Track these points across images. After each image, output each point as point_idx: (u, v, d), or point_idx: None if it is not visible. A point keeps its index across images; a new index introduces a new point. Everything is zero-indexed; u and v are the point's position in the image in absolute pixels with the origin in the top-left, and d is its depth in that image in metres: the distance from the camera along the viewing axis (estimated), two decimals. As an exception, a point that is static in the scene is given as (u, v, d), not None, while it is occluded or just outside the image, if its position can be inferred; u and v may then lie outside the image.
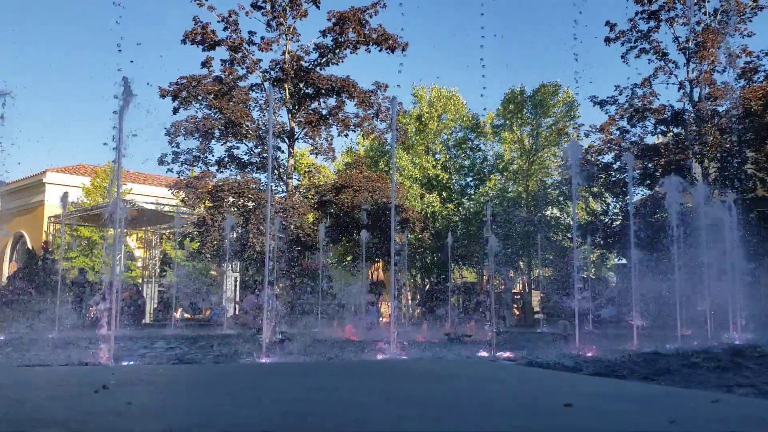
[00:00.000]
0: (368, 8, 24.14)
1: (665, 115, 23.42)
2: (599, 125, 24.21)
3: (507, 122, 29.92)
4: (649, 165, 23.52)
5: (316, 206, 23.81)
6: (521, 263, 29.97)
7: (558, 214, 30.29)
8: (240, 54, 24.19)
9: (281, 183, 25.53)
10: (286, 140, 25.18)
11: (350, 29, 23.94)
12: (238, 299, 27.75)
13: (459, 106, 31.92)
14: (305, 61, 24.76)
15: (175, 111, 24.04)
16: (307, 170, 31.48)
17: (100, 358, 7.23)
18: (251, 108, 24.98)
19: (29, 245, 29.22)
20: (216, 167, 25.03)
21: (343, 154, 33.58)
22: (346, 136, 26.72)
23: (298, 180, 28.54)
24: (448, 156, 30.91)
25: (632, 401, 3.75)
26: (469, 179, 31.85)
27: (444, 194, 29.85)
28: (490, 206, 15.19)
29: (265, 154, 24.80)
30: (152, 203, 25.28)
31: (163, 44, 48.26)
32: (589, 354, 8.33)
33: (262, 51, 24.65)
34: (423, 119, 31.18)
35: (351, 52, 24.66)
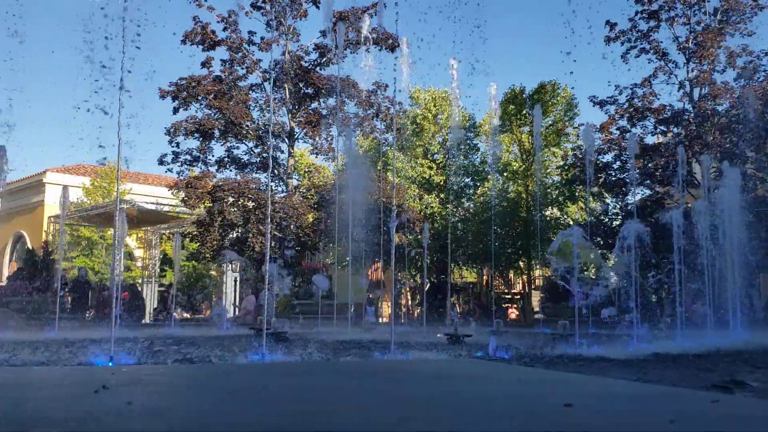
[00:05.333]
0: (368, 8, 24.16)
1: (665, 115, 23.41)
2: (599, 125, 24.20)
3: (506, 122, 29.87)
4: (649, 165, 23.50)
5: (315, 206, 23.81)
6: (521, 263, 29.92)
7: (558, 214, 30.24)
8: (240, 54, 24.19)
9: (281, 183, 25.52)
10: (286, 140, 25.17)
11: (350, 29, 23.95)
12: (237, 302, 27.74)
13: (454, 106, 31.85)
14: (305, 61, 24.76)
15: (175, 111, 24.04)
16: (307, 170, 31.47)
17: (100, 358, 7.21)
18: (251, 108, 24.97)
19: (29, 245, 29.21)
20: (216, 167, 25.01)
21: (342, 154, 33.52)
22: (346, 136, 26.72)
23: (298, 180, 28.53)
24: (446, 157, 30.88)
25: (632, 401, 3.75)
26: (468, 179, 31.79)
27: (443, 195, 29.82)
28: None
29: (265, 154, 24.80)
30: (152, 203, 25.26)
31: (163, 44, 48.15)
32: (590, 354, 8.31)
33: (262, 51, 24.67)
34: (417, 120, 31.18)
35: (351, 52, 24.67)
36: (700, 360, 7.78)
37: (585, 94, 61.20)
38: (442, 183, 29.84)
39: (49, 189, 31.41)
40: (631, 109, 23.66)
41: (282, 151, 25.49)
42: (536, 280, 31.36)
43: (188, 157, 24.62)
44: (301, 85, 24.59)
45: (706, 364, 7.18)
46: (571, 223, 27.79)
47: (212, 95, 23.64)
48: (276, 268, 17.51)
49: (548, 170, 30.50)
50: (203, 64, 24.10)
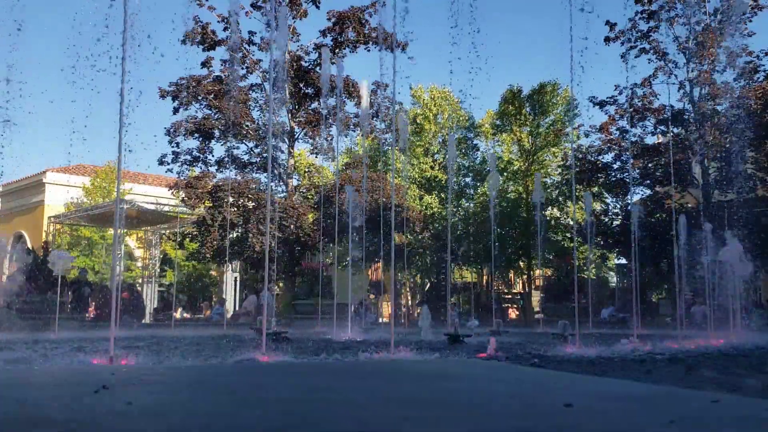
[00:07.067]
0: (367, 7, 24.15)
1: (665, 115, 23.41)
2: (599, 125, 24.20)
3: (506, 122, 29.87)
4: (650, 165, 23.50)
5: (315, 206, 23.81)
6: (521, 263, 29.91)
7: (558, 214, 30.24)
8: (240, 54, 24.17)
9: (281, 183, 25.51)
10: (286, 140, 25.15)
11: (350, 29, 23.94)
12: (237, 307, 27.72)
13: (454, 106, 31.86)
14: (305, 61, 24.76)
15: (175, 111, 24.02)
16: (306, 170, 31.46)
17: (100, 358, 7.21)
18: (251, 108, 24.96)
19: (29, 245, 29.20)
20: (216, 167, 25.00)
21: (342, 154, 33.53)
22: (346, 136, 26.70)
23: (298, 180, 28.53)
24: (446, 156, 30.87)
25: (632, 401, 3.75)
26: (468, 179, 31.80)
27: (443, 195, 29.82)
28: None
29: (265, 154, 24.77)
30: (152, 203, 25.25)
31: (163, 44, 48.18)
32: (589, 353, 8.31)
33: (262, 51, 24.66)
34: (417, 120, 31.16)
35: (351, 52, 24.66)
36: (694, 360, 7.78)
37: (585, 94, 61.07)
38: (443, 182, 29.83)
39: (49, 189, 31.40)
40: (631, 110, 23.67)
41: (282, 151, 25.47)
42: (536, 280, 31.37)
43: (188, 157, 24.61)
44: (301, 85, 24.59)
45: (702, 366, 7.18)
46: (571, 222, 27.80)
47: (212, 95, 23.63)
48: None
49: (548, 170, 30.48)
50: (203, 64, 24.10)
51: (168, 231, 27.71)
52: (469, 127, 31.92)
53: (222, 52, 24.27)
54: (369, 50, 24.66)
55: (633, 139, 24.08)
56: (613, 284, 30.76)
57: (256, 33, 24.47)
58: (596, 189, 25.14)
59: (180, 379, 4.96)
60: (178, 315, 24.25)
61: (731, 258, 12.01)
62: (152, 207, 24.79)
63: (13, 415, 2.91)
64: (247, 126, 24.11)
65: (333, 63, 18.78)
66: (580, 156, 23.91)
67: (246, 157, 25.43)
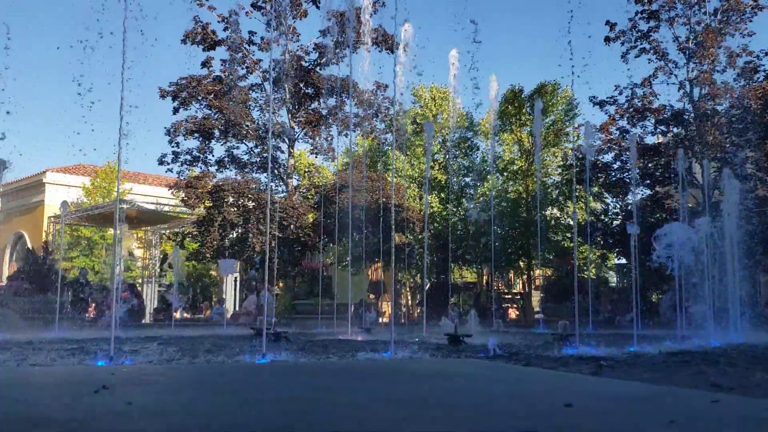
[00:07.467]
0: (367, 7, 24.13)
1: (665, 115, 23.41)
2: (599, 125, 24.20)
3: (506, 122, 29.85)
4: (650, 165, 23.50)
5: (315, 206, 23.81)
6: (521, 263, 29.90)
7: (558, 214, 30.22)
8: (240, 54, 24.18)
9: (281, 183, 25.49)
10: (286, 140, 25.15)
11: (350, 29, 23.93)
12: (237, 307, 27.69)
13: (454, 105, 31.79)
14: (305, 61, 24.76)
15: (175, 111, 24.02)
16: (306, 170, 31.45)
17: (100, 358, 7.21)
18: (251, 108, 24.96)
19: (29, 245, 29.20)
20: (216, 167, 25.00)
21: (342, 155, 33.53)
22: (346, 136, 26.70)
23: (298, 180, 28.52)
24: (446, 156, 30.86)
25: (632, 401, 3.75)
26: (468, 179, 31.80)
27: (443, 195, 29.81)
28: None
29: (265, 155, 24.78)
30: (152, 203, 25.23)
31: (163, 44, 48.16)
32: (589, 353, 8.31)
33: (262, 51, 24.66)
34: (417, 120, 31.16)
35: (351, 52, 24.64)
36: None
37: (585, 94, 61.20)
38: (443, 182, 29.81)
39: (49, 189, 31.39)
40: (631, 110, 23.68)
41: (282, 151, 25.48)
42: (536, 280, 31.37)
43: (188, 157, 24.61)
44: (301, 85, 24.59)
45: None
46: (571, 223, 27.78)
47: (212, 95, 23.63)
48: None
49: (548, 170, 30.48)
50: (203, 64, 24.10)
51: (168, 231, 27.72)
52: (469, 126, 31.89)
53: (222, 52, 24.29)
54: (369, 51, 24.65)
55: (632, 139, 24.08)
56: (613, 284, 30.76)
57: (256, 33, 24.50)
58: (596, 189, 25.13)
59: (180, 379, 4.96)
60: (177, 315, 24.20)
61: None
62: (152, 207, 24.78)
63: (13, 415, 2.92)
64: (247, 126, 24.11)
65: (334, 63, 18.72)
66: (581, 157, 23.90)
67: (246, 157, 25.43)
